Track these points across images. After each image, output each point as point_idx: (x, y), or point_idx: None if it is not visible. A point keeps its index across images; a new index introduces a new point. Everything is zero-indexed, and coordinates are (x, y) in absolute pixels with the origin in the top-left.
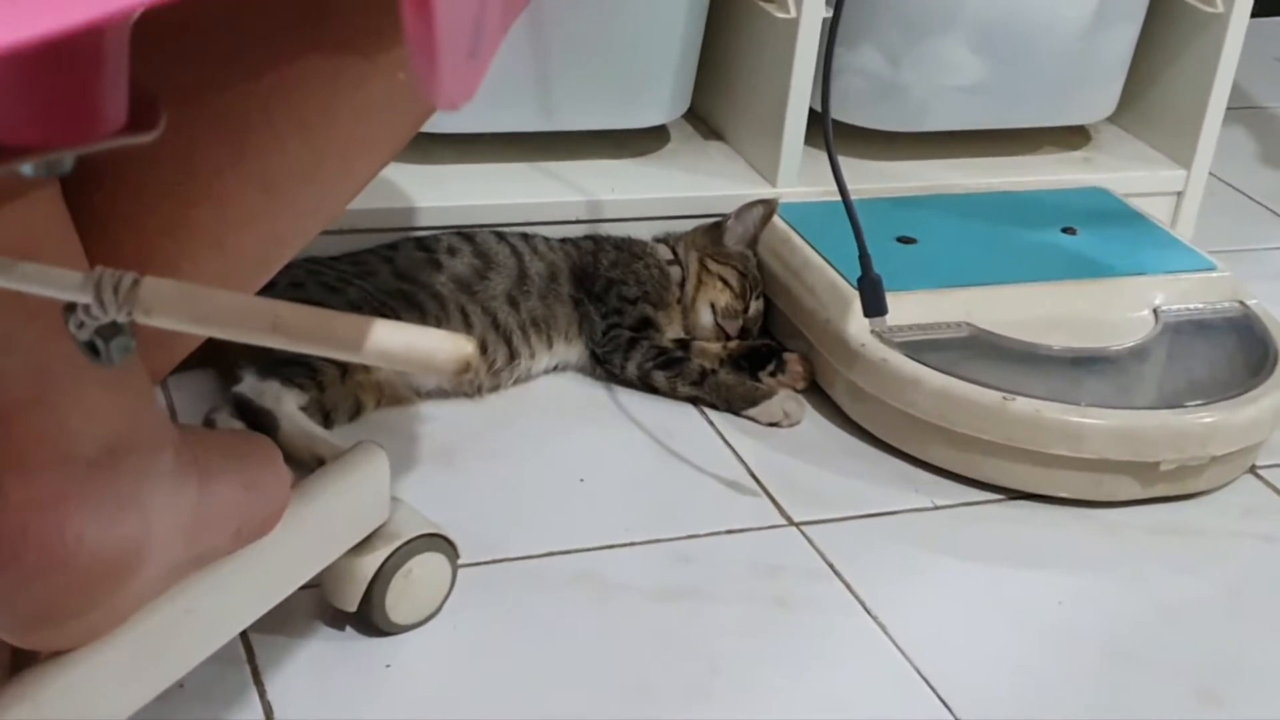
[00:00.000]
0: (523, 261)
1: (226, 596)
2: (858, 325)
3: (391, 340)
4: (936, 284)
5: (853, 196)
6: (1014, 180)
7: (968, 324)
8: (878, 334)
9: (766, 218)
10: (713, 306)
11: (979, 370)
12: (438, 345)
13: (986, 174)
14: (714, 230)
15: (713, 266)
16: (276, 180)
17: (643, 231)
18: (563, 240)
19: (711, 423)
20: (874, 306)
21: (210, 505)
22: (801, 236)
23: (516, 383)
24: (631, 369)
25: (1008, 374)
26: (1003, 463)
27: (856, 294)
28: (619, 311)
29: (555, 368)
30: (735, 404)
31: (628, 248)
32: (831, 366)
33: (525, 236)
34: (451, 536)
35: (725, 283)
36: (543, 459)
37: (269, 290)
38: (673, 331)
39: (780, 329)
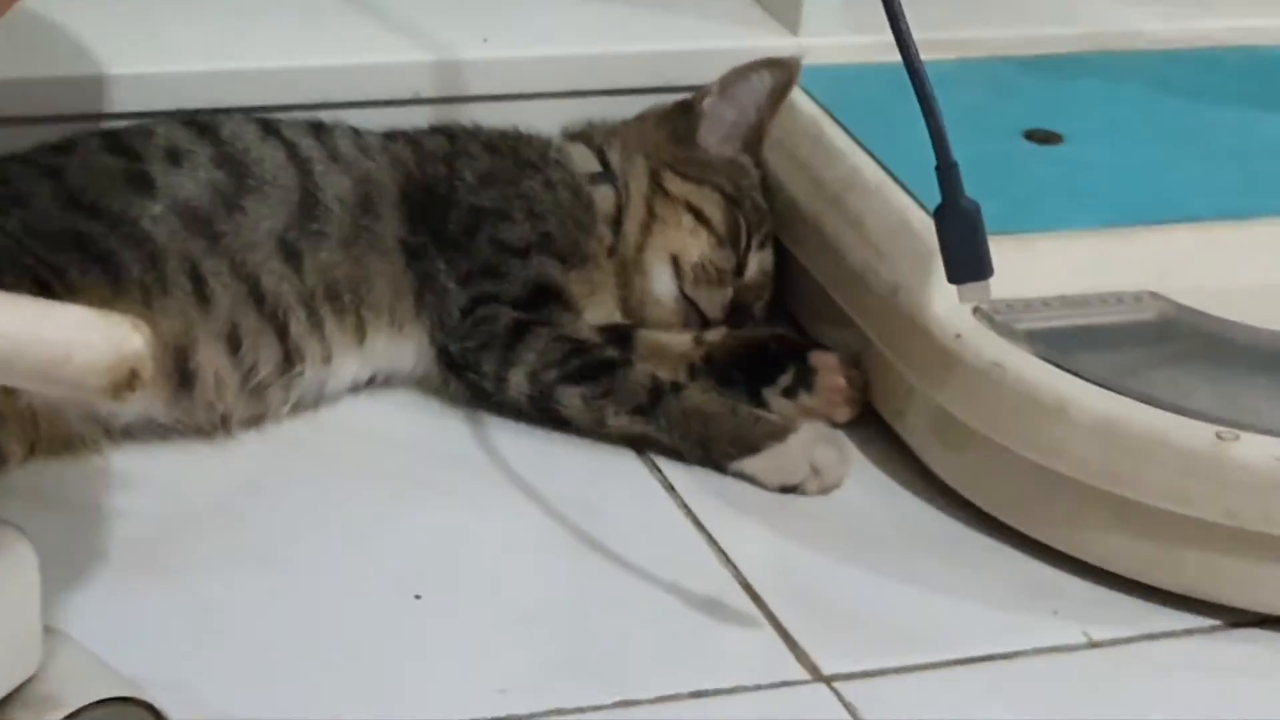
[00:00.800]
0: (310, 176)
1: None
2: (949, 299)
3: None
4: (1098, 220)
5: (938, 53)
6: (1247, 25)
7: (1155, 295)
8: (986, 315)
9: (779, 93)
10: (675, 263)
11: (1176, 384)
12: (76, 338)
13: (1195, 11)
14: (678, 118)
15: (677, 187)
16: None
17: (544, 120)
18: (389, 136)
19: (672, 488)
20: (965, 262)
21: None
22: (844, 129)
23: (298, 410)
24: (518, 381)
25: (1228, 391)
26: (1219, 559)
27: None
28: (494, 271)
29: (371, 380)
30: (719, 450)
31: (513, 150)
32: (901, 379)
33: (316, 128)
34: (160, 705)
35: (700, 217)
36: (343, 557)
37: None
38: (599, 310)
39: (806, 307)
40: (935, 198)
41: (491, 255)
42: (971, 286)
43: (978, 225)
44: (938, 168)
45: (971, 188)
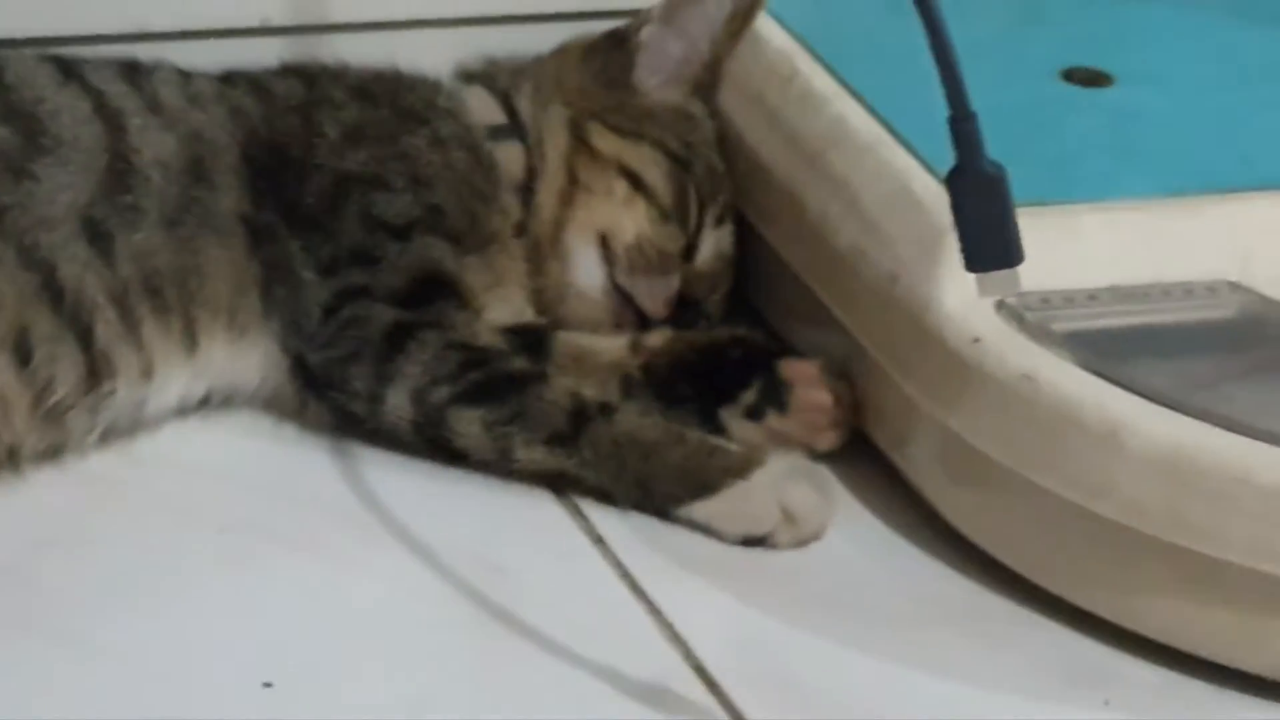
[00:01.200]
0: (122, 134)
1: None
2: (965, 292)
3: None
4: (1159, 186)
5: None
6: None
7: (1235, 286)
8: (1013, 313)
9: (740, 19)
10: (604, 243)
11: (1262, 403)
12: None
13: None
14: (608, 53)
15: (606, 144)
16: None
17: (431, 56)
18: (227, 79)
19: (602, 540)
20: (987, 245)
21: None
22: (826, 66)
23: (109, 439)
24: (398, 402)
25: None
26: None
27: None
28: (366, 256)
29: (205, 401)
30: (664, 490)
31: (390, 97)
32: (901, 395)
33: (131, 70)
34: None
35: (637, 184)
36: (166, 632)
37: None
38: (505, 307)
39: (777, 302)
40: (948, 158)
41: (362, 236)
42: (995, 276)
43: (1003, 195)
44: (951, 120)
45: (996, 145)
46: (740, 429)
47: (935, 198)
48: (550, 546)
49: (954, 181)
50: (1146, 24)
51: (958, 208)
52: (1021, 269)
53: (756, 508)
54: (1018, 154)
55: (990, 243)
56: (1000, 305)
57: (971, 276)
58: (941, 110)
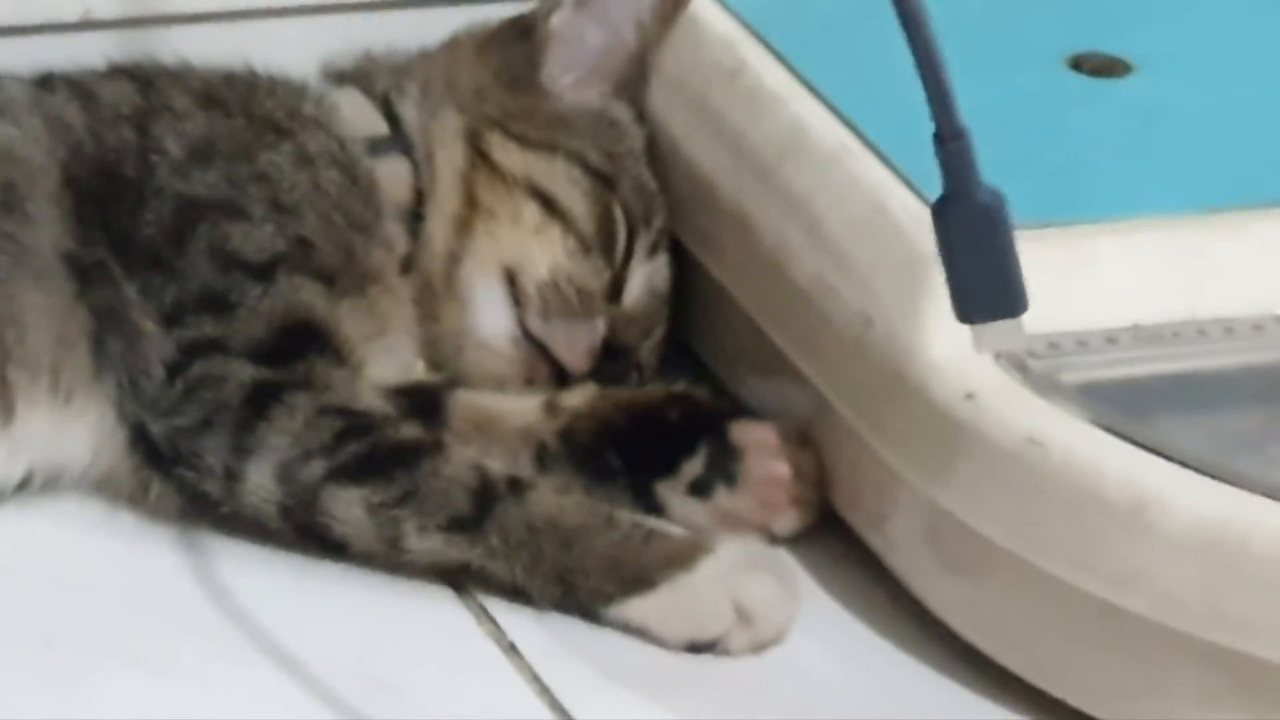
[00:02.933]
0: None
1: None
2: (956, 339)
3: None
4: (1188, 200)
5: None
6: None
7: None
8: (1016, 361)
9: (673, 1)
10: (511, 281)
11: None
12: None
13: None
14: (510, 45)
15: (511, 158)
16: None
17: (293, 52)
18: (43, 83)
19: (514, 649)
20: (982, 290)
21: None
22: (780, 59)
23: None
24: (261, 481)
25: None
26: None
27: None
28: (218, 301)
29: (25, 484)
30: (589, 586)
31: (245, 103)
32: (879, 464)
33: None
34: None
35: (550, 207)
36: None
37: None
38: (390, 360)
39: (725, 350)
40: (931, 170)
41: (213, 276)
42: (994, 328)
43: (1002, 229)
44: (937, 138)
45: (989, 153)
46: (682, 508)
47: (916, 220)
48: (451, 657)
49: (942, 214)
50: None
51: (947, 246)
52: (1024, 320)
53: (704, 606)
54: (1017, 163)
55: (987, 287)
56: (999, 358)
57: (965, 327)
58: (922, 111)
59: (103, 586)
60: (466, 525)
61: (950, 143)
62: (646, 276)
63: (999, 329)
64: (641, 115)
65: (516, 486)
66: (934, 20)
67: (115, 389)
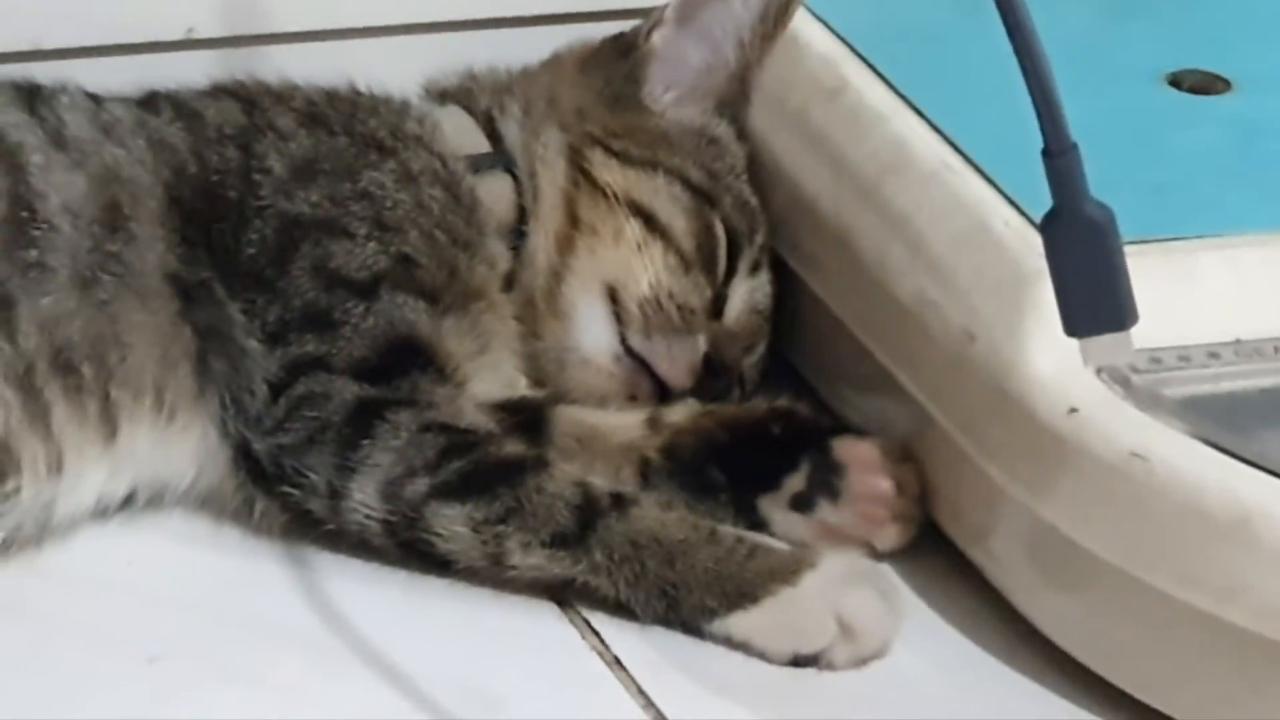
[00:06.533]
0: (20, 174)
1: None
2: (1060, 353)
3: None
4: None
5: None
6: None
7: None
8: (1119, 377)
9: (774, 19)
10: (613, 297)
11: None
12: None
13: None
14: (612, 63)
15: (613, 175)
16: None
17: (395, 69)
18: (147, 103)
19: (619, 663)
20: (1091, 304)
21: None
22: (881, 77)
23: (10, 550)
24: (365, 498)
25: None
26: None
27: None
28: (322, 319)
29: (129, 500)
30: (693, 601)
31: (348, 122)
32: (983, 479)
33: (30, 94)
34: None
35: (651, 224)
36: None
37: None
38: (493, 377)
39: (827, 366)
40: (1033, 186)
41: (317, 294)
42: (1102, 341)
43: (1111, 243)
44: (1046, 152)
45: (1092, 173)
46: (785, 523)
47: (1017, 235)
48: (556, 671)
49: (1050, 229)
50: (1269, 16)
51: (1056, 260)
52: (1131, 335)
53: (807, 620)
54: (1117, 180)
55: (1095, 301)
56: (1102, 367)
57: (1071, 341)
58: (1024, 128)
59: (207, 602)
60: (570, 541)
61: (1059, 157)
62: (748, 293)
63: (1107, 342)
64: (743, 133)
65: (620, 502)
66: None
67: (219, 407)
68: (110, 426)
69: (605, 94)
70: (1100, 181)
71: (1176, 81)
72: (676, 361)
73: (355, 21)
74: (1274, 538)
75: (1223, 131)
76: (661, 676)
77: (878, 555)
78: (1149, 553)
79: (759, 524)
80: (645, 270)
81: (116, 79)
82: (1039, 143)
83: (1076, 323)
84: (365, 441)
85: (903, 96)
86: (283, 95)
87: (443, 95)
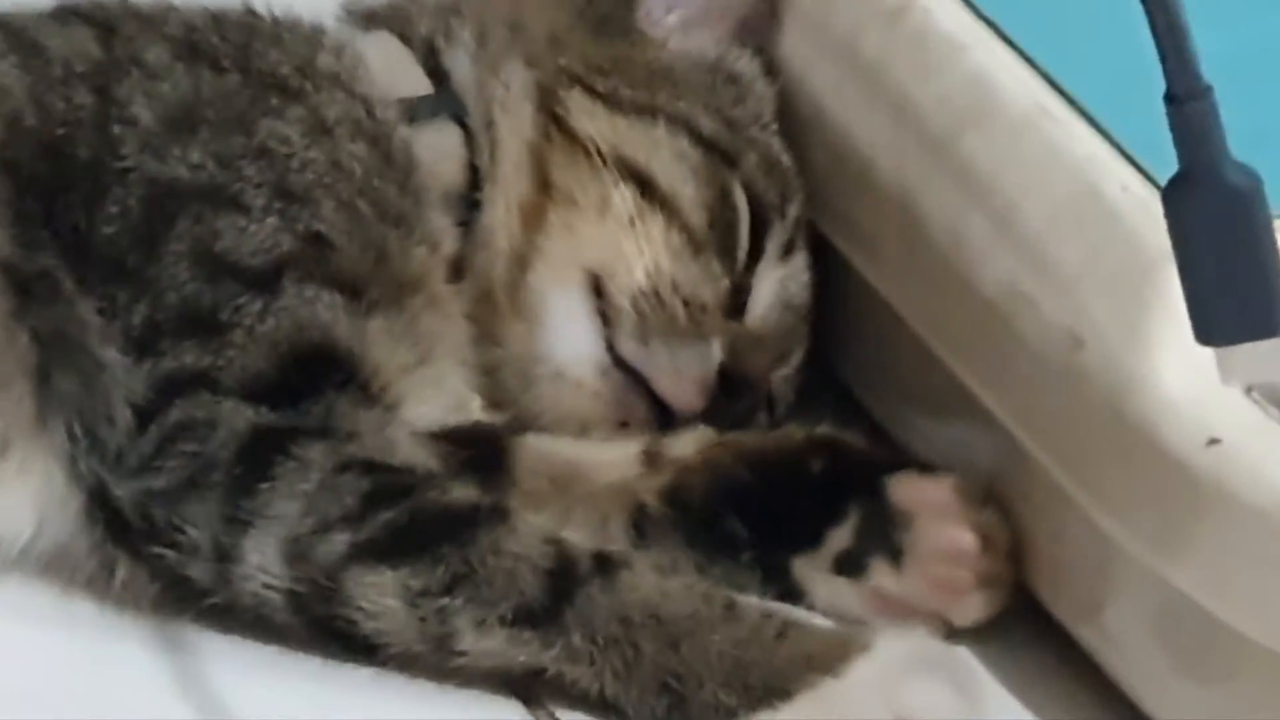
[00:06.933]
0: None
1: None
2: (1195, 369)
3: None
4: None
5: None
6: None
7: None
8: (1268, 393)
9: None
10: (597, 289)
11: None
12: None
13: None
14: None
15: (595, 124)
16: None
17: None
18: None
19: None
20: (1230, 303)
21: None
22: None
23: None
24: (263, 560)
25: None
26: None
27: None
28: (205, 320)
29: None
30: (704, 696)
31: (240, 53)
32: (1092, 533)
33: None
34: None
35: (648, 189)
36: None
37: None
38: (433, 396)
39: (882, 380)
40: (1162, 143)
41: (197, 287)
42: (1246, 351)
43: (1255, 219)
44: (1169, 97)
45: (1239, 124)
46: (828, 591)
47: (1140, 206)
48: None
49: (1176, 198)
50: None
51: (1183, 241)
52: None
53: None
54: (1267, 135)
55: (1237, 297)
56: (1250, 385)
57: (1207, 351)
58: (1147, 67)
59: (50, 697)
60: (539, 618)
61: (1188, 104)
62: (779, 284)
63: (1253, 353)
64: (772, 68)
65: (605, 565)
66: None
67: (66, 440)
68: None
69: (587, 15)
70: (1243, 138)
71: None
72: (681, 375)
73: None
74: None
75: None
76: None
77: (952, 633)
78: None
79: (793, 593)
80: (640, 253)
81: None
82: (1162, 84)
83: (1211, 325)
84: (263, 485)
85: (986, 20)
86: (153, 19)
87: (368, 18)
